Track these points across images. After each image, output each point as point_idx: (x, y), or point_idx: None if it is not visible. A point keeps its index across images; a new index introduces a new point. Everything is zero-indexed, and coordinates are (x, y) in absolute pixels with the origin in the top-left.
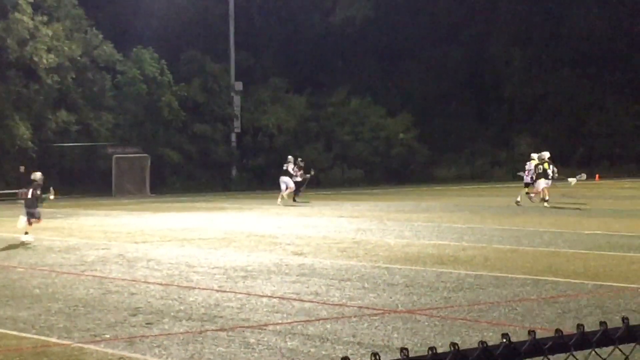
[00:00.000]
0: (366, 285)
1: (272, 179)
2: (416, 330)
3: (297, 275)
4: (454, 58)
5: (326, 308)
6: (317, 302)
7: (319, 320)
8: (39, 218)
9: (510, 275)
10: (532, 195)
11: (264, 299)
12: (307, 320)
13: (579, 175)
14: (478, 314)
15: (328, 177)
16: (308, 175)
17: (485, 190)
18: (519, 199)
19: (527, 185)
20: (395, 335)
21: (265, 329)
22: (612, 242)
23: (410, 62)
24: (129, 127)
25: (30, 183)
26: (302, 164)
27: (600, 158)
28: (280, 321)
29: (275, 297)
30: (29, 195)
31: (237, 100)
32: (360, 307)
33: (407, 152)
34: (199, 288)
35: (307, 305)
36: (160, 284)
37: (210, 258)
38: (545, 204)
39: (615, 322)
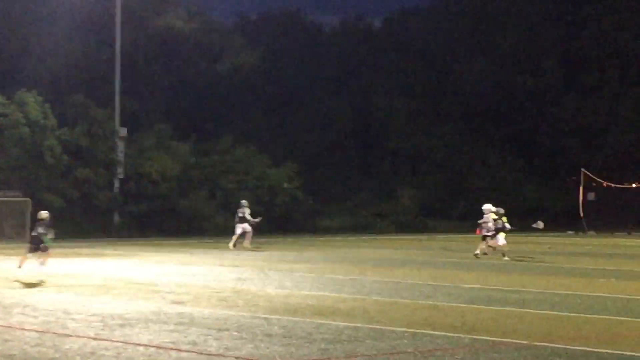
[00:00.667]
0: (244, 335)
1: (155, 226)
2: None
3: (176, 324)
4: (339, 108)
5: (203, 358)
6: (195, 352)
7: None
8: None
9: (388, 328)
10: (490, 248)
11: (141, 348)
12: None
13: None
14: None
15: (210, 225)
16: (257, 220)
17: (368, 241)
18: (477, 251)
19: (484, 238)
20: None
21: None
22: (490, 296)
23: (296, 111)
24: (10, 170)
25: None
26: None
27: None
28: None
29: (152, 346)
30: None
31: (121, 145)
32: (237, 358)
33: (291, 202)
34: (75, 336)
35: (184, 355)
36: (36, 331)
37: (88, 305)
38: (505, 257)
39: None
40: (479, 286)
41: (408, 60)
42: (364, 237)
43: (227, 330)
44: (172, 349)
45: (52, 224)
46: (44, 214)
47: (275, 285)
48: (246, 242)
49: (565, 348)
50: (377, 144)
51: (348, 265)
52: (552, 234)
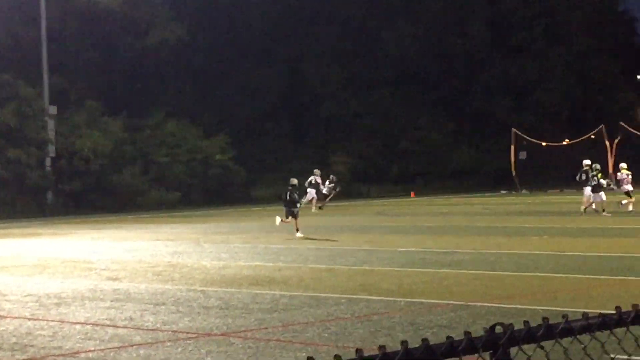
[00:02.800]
0: (181, 309)
1: (89, 203)
2: (230, 353)
3: (112, 301)
4: (270, 79)
5: (140, 333)
6: (131, 328)
7: (132, 346)
8: None
9: (324, 295)
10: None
11: (77, 326)
12: (121, 347)
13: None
14: (292, 335)
15: (145, 200)
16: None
17: (302, 209)
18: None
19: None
20: (209, 359)
21: (77, 357)
22: (425, 259)
23: (226, 83)
24: None
25: None
26: (335, 179)
27: (415, 176)
28: (93, 348)
29: (88, 324)
30: None
31: (51, 124)
32: (174, 332)
33: (225, 173)
34: (10, 317)
35: (120, 331)
36: None
37: (23, 285)
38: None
39: (427, 337)
40: (414, 249)
41: (337, 27)
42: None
43: (164, 304)
44: (108, 325)
45: None
46: None
47: (211, 258)
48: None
49: (500, 307)
50: (308, 112)
51: (283, 234)
52: (485, 194)
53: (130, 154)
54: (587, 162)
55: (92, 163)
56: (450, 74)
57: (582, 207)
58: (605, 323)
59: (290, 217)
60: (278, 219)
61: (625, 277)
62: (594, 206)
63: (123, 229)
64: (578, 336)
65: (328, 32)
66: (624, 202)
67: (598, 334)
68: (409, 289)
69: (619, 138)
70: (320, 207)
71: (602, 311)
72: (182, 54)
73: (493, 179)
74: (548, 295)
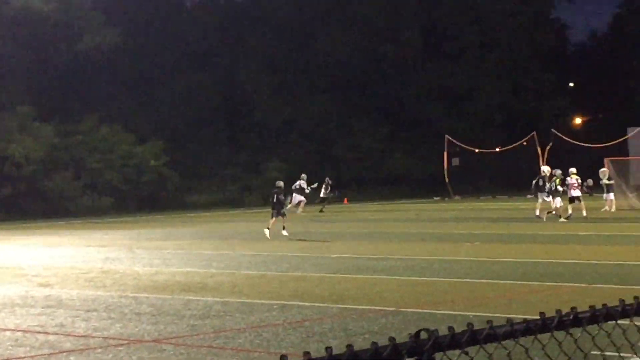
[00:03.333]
0: (112, 315)
1: (20, 209)
2: (161, 359)
3: (43, 307)
4: (204, 84)
5: (71, 340)
6: (62, 334)
7: (63, 352)
8: None
9: (257, 301)
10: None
11: (7, 333)
12: (51, 353)
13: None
14: (224, 341)
15: (77, 206)
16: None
17: (236, 216)
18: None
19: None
20: None
21: None
22: (358, 265)
23: (160, 89)
24: None
25: None
26: (330, 182)
27: (349, 181)
28: (23, 355)
29: (19, 331)
30: None
31: None
32: (105, 338)
33: (158, 179)
34: None
35: (51, 337)
36: None
37: None
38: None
39: (358, 344)
40: (347, 255)
41: (271, 34)
42: (232, 212)
43: (95, 310)
44: (39, 332)
45: None
46: None
47: (143, 264)
48: (299, 208)
49: (431, 313)
50: (243, 118)
51: (217, 241)
52: (418, 200)
53: (63, 159)
54: (545, 168)
55: (24, 168)
56: (384, 80)
57: (537, 213)
58: (530, 329)
59: (276, 217)
60: (267, 232)
61: (556, 283)
62: (554, 212)
63: (55, 234)
64: (502, 342)
65: (262, 38)
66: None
67: (522, 339)
68: (342, 295)
69: (550, 145)
70: (321, 210)
71: (527, 317)
72: (116, 59)
73: (426, 185)
74: (479, 301)
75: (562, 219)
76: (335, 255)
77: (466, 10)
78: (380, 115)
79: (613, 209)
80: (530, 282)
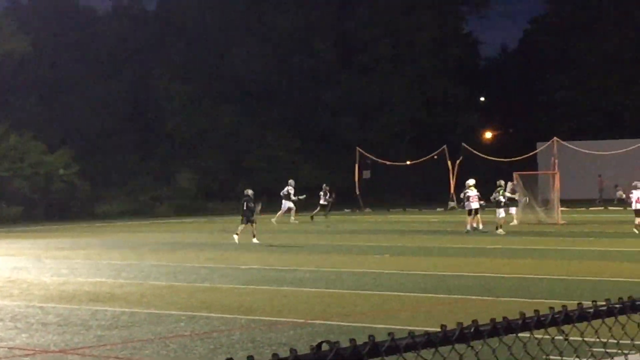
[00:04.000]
0: (19, 325)
1: None
2: None
3: None
4: (115, 93)
5: None
6: None
7: None
8: None
9: (165, 312)
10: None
11: None
12: None
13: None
14: (131, 352)
15: None
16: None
17: (147, 226)
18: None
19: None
20: None
21: None
22: (267, 277)
23: (72, 97)
24: None
25: None
26: (328, 188)
27: (261, 192)
28: None
29: None
30: None
31: None
32: (11, 348)
33: (68, 188)
34: None
35: None
36: None
37: None
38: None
39: (265, 355)
40: (256, 267)
41: (184, 43)
42: (143, 222)
43: (1, 320)
44: None
45: None
46: None
47: (51, 273)
48: (282, 213)
49: (339, 325)
50: (155, 128)
51: (126, 251)
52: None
53: None
54: (471, 181)
55: None
56: (297, 92)
57: (514, 223)
58: (431, 341)
59: (245, 224)
60: (236, 237)
61: (463, 296)
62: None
63: None
64: (404, 354)
65: (175, 47)
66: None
67: (424, 351)
68: (250, 307)
69: (460, 159)
70: (325, 216)
71: (428, 329)
72: (27, 67)
73: (338, 197)
74: (388, 313)
75: (499, 231)
76: (244, 267)
77: (379, 24)
78: (293, 127)
79: (515, 222)
80: (438, 295)
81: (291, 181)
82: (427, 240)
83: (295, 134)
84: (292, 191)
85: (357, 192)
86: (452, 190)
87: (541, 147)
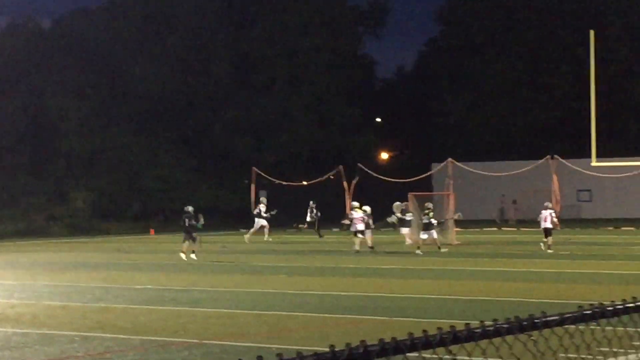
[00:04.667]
0: None
1: None
2: None
3: None
4: (9, 111)
5: None
6: None
7: None
8: None
9: (58, 332)
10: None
11: None
12: None
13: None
14: None
15: None
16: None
17: (41, 245)
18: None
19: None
20: None
21: None
22: (162, 297)
23: None
24: None
25: None
26: (314, 205)
27: (156, 213)
28: None
29: None
30: None
31: None
32: None
33: None
34: None
35: None
36: None
37: None
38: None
39: None
40: (151, 287)
41: (79, 62)
42: (37, 242)
43: None
44: None
45: None
46: None
47: None
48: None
49: (234, 345)
50: (49, 146)
51: (19, 271)
52: (226, 232)
53: None
54: (396, 204)
55: None
56: (194, 112)
57: (407, 243)
58: None
59: (188, 241)
60: (183, 256)
61: (358, 316)
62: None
63: None
64: None
65: (71, 66)
66: (358, 245)
67: None
68: (144, 327)
69: (356, 179)
70: (320, 236)
71: (318, 349)
72: None
73: (233, 217)
74: (282, 333)
75: (443, 250)
76: (139, 287)
77: (276, 44)
78: (189, 147)
79: (408, 242)
80: (333, 315)
81: (263, 199)
82: (322, 260)
83: (191, 154)
84: (263, 209)
85: (254, 212)
86: (347, 210)
87: (436, 167)
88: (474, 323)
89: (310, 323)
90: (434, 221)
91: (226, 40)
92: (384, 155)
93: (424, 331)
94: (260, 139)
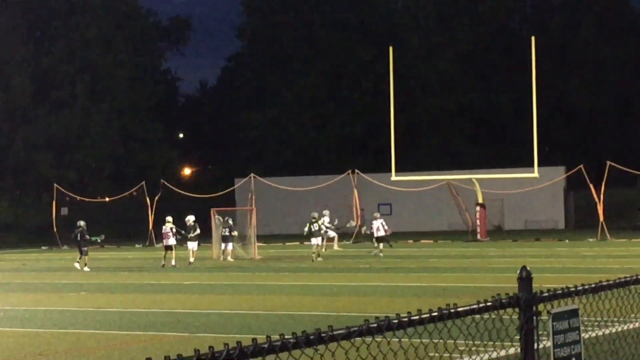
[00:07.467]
0: None
1: None
2: None
3: None
4: None
5: None
6: None
7: None
8: None
9: None
10: None
11: None
12: None
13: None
14: None
15: None
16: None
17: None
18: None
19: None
20: None
21: None
22: None
23: None
24: None
25: None
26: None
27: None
28: None
29: None
30: None
31: None
32: None
33: None
34: None
35: None
36: None
37: None
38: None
39: None
40: None
41: None
42: None
43: None
44: None
45: None
46: None
47: None
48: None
49: None
50: None
51: None
52: (25, 250)
53: None
54: (314, 214)
55: None
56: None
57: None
58: None
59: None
60: (77, 265)
61: (159, 333)
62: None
63: None
64: None
65: None
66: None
67: None
68: None
69: (160, 195)
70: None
71: None
72: None
73: (34, 234)
74: (81, 351)
75: (319, 259)
76: None
77: (77, 60)
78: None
79: (229, 258)
80: (133, 332)
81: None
82: (124, 277)
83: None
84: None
85: (55, 230)
86: (150, 227)
87: (239, 182)
88: (275, 337)
89: (112, 340)
90: (324, 228)
91: (26, 56)
92: (187, 171)
93: (238, 342)
94: (61, 155)
